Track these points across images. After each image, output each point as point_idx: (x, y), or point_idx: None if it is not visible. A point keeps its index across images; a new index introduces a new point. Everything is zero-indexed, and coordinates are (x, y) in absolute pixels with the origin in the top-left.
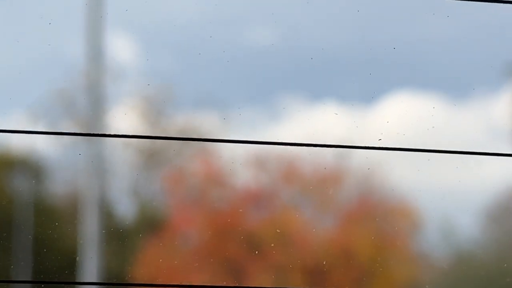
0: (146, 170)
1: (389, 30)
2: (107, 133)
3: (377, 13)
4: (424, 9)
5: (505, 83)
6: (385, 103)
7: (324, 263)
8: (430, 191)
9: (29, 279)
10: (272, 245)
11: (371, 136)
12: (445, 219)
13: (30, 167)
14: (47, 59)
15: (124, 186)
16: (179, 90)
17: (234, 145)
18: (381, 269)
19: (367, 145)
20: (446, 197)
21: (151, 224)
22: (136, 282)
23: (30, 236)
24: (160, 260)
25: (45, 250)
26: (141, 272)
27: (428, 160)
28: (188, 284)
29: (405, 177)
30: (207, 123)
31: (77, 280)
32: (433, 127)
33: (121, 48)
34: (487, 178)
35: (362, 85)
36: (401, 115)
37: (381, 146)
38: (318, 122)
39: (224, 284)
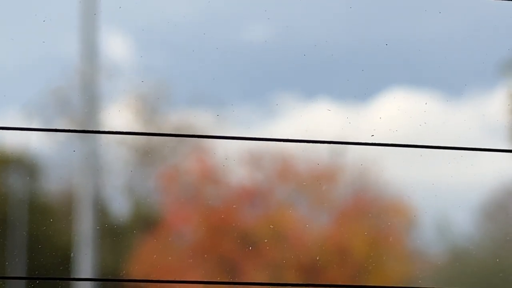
0: (140, 167)
1: (382, 26)
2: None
3: (370, 10)
4: (416, 6)
5: (498, 79)
6: (378, 99)
7: (317, 258)
8: (424, 187)
9: (24, 275)
10: (266, 240)
11: (365, 133)
12: (439, 216)
13: (25, 164)
14: (42, 57)
15: (119, 183)
16: (173, 88)
17: (229, 143)
18: (375, 265)
19: (360, 141)
20: (440, 194)
21: (145, 221)
22: (130, 278)
23: (25, 233)
24: (155, 257)
25: (40, 246)
26: (135, 268)
27: (421, 156)
28: (182, 280)
29: (398, 173)
30: (201, 121)
31: (72, 277)
32: (425, 123)
33: (115, 46)
34: (481, 174)
35: (355, 81)
36: (394, 111)
37: (374, 142)
38: (312, 119)
39: (218, 280)
